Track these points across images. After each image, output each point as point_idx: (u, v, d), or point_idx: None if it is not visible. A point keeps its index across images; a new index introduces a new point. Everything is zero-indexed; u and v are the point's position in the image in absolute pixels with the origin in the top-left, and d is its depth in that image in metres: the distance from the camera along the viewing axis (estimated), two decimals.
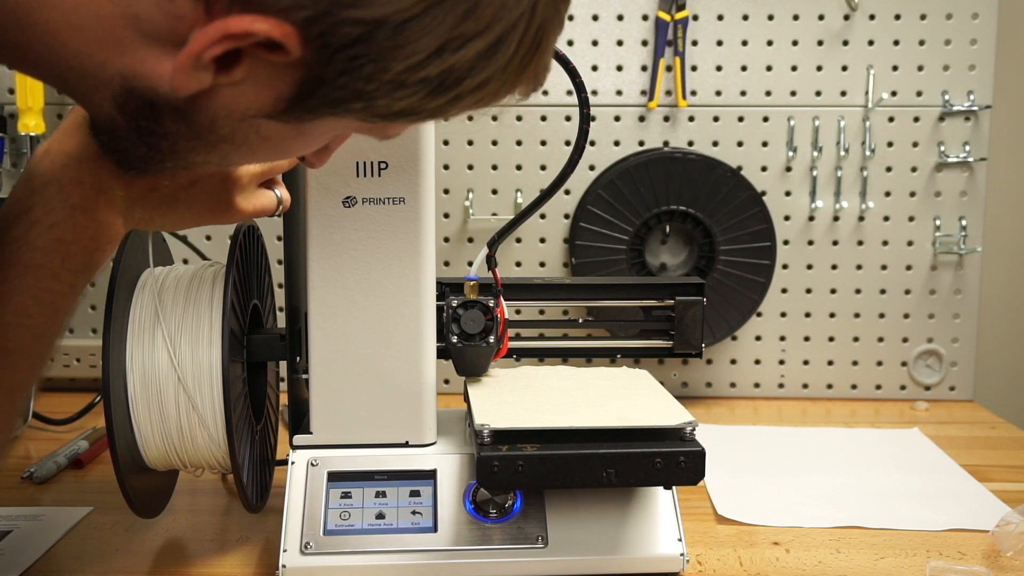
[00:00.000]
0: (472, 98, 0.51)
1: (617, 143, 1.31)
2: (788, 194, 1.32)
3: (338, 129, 0.56)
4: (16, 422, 0.60)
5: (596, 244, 1.28)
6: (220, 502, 0.93)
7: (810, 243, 1.32)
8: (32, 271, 0.58)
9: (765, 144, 1.31)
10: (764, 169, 1.31)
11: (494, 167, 1.31)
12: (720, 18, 1.29)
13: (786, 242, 1.32)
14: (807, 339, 1.34)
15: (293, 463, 0.78)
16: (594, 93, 1.30)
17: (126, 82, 0.50)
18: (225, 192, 0.67)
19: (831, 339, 1.34)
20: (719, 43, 1.29)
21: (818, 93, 1.30)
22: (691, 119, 1.31)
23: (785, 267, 1.32)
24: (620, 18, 1.29)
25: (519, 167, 1.31)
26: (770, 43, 1.29)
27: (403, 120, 0.53)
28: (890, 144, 1.31)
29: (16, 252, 0.58)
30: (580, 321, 0.92)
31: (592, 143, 1.31)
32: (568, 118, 1.30)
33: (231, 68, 0.48)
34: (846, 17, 1.29)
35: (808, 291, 1.33)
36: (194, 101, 0.50)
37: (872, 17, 1.29)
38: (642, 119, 1.31)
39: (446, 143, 1.31)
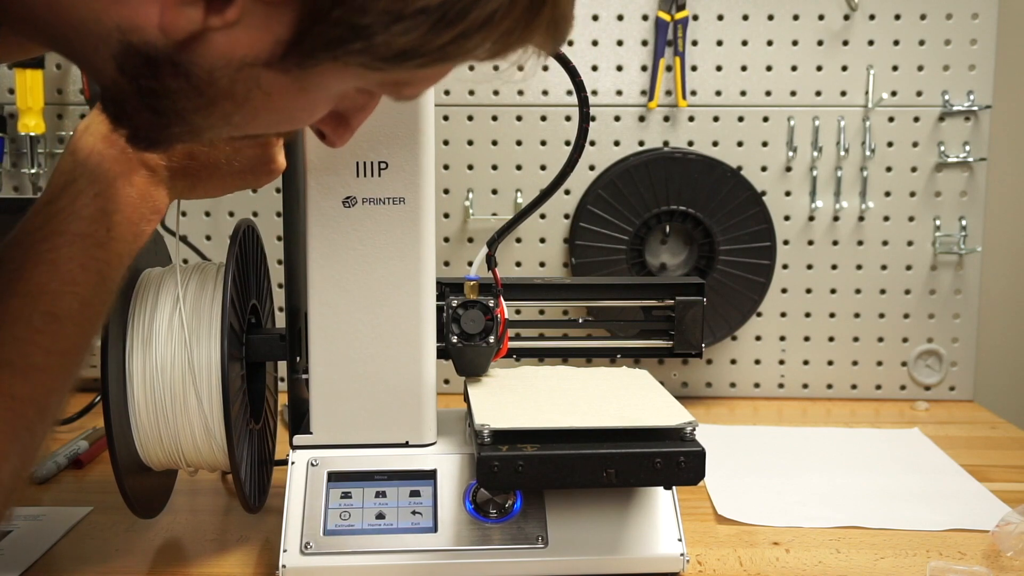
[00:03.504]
0: (480, 36, 0.49)
1: (617, 143, 1.31)
2: (788, 194, 1.32)
3: (343, 81, 0.54)
4: (70, 386, 0.62)
5: (596, 244, 1.28)
6: (220, 502, 0.93)
7: (810, 243, 1.32)
8: (79, 240, 0.60)
9: (765, 144, 1.31)
10: (764, 169, 1.31)
11: (494, 167, 1.31)
12: (720, 18, 1.29)
13: (786, 242, 1.32)
14: (807, 339, 1.34)
15: (293, 463, 0.78)
16: (594, 93, 1.30)
17: (123, 36, 0.50)
18: (265, 150, 0.69)
19: (831, 339, 1.34)
20: (719, 43, 1.29)
21: (818, 93, 1.30)
22: (691, 119, 1.31)
23: (785, 267, 1.32)
24: (620, 18, 1.29)
25: (519, 167, 1.31)
26: (770, 43, 1.29)
27: (409, 63, 0.51)
28: (890, 144, 1.31)
29: (63, 222, 0.60)
30: (580, 321, 0.92)
31: (592, 143, 1.31)
32: (568, 118, 1.30)
33: (224, 8, 0.47)
34: (846, 17, 1.29)
35: (808, 291, 1.33)
36: (189, 49, 0.49)
37: (872, 17, 1.29)
38: (642, 119, 1.31)
39: (446, 143, 1.31)
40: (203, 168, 0.67)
